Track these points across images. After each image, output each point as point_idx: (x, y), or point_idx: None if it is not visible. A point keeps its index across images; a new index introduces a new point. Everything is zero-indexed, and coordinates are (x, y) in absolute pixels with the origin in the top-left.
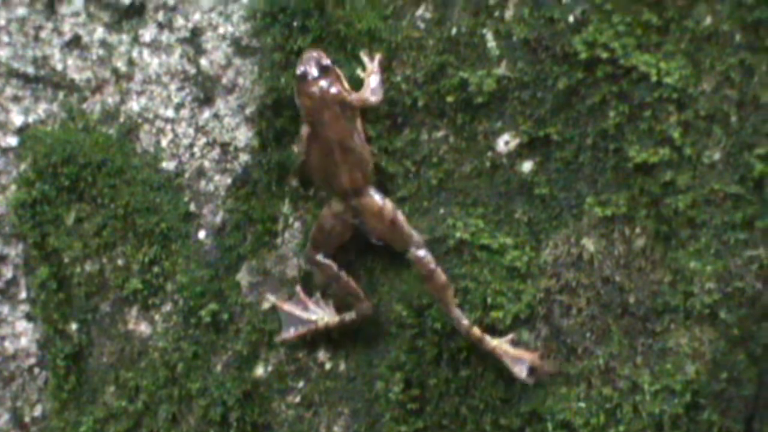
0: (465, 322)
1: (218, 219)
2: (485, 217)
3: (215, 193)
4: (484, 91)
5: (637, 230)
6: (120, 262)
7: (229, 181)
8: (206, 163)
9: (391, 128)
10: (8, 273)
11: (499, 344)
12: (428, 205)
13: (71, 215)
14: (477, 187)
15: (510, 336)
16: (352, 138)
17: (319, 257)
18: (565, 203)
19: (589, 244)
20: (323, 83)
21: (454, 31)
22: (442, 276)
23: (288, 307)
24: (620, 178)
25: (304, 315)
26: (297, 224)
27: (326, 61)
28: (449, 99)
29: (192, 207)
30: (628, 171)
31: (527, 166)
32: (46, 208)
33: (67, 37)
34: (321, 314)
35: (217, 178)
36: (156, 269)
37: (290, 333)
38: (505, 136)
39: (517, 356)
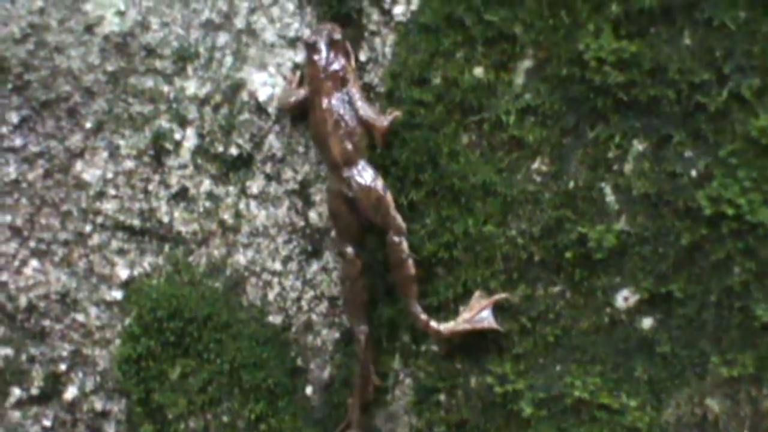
0: (423, 317)
1: (326, 374)
2: (604, 375)
3: (323, 348)
4: (604, 246)
5: (765, 391)
6: (225, 418)
7: (337, 335)
8: (314, 317)
9: (506, 283)
10: (111, 429)
11: (455, 323)
12: (544, 362)
13: (176, 371)
14: (595, 344)
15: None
16: (345, 111)
17: (349, 249)
18: (687, 362)
19: (714, 404)
20: (328, 55)
21: (571, 184)
22: (411, 268)
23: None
24: (746, 337)
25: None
26: (408, 381)
27: (337, 35)
28: (567, 255)
29: (299, 362)
30: (754, 330)
31: (647, 322)
32: (150, 363)
33: (174, 189)
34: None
35: (324, 332)
36: (262, 426)
37: None
38: (625, 292)
39: (477, 314)
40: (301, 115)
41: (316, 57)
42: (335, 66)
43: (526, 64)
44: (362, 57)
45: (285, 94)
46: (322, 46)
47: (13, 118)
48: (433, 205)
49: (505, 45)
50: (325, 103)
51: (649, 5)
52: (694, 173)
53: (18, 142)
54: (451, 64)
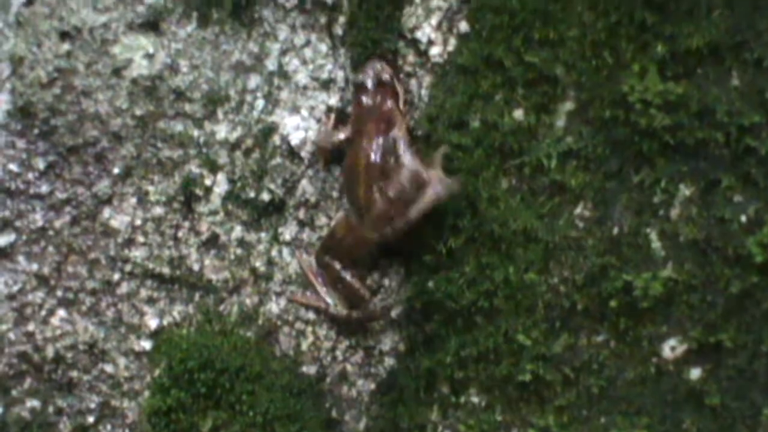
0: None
1: (362, 426)
2: (651, 428)
3: (358, 399)
4: (650, 294)
5: None
6: None
7: (372, 386)
8: (349, 367)
9: (548, 332)
10: None
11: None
12: (588, 414)
13: (208, 423)
14: (641, 396)
15: None
16: (380, 156)
17: (327, 258)
18: (738, 414)
19: None
20: (375, 96)
21: (615, 230)
22: None
23: (312, 279)
24: None
25: (322, 292)
26: None
27: (386, 76)
28: (612, 303)
29: (334, 413)
30: None
31: (696, 373)
32: (181, 415)
33: (205, 236)
34: (334, 303)
35: (360, 382)
36: None
37: (301, 298)
38: (672, 342)
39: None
40: (338, 158)
41: (362, 97)
42: (382, 108)
43: (568, 106)
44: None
45: (326, 135)
46: (370, 86)
47: (40, 164)
48: (472, 252)
49: (546, 87)
50: (364, 143)
51: (696, 45)
52: (743, 219)
53: (44, 188)
54: (490, 106)
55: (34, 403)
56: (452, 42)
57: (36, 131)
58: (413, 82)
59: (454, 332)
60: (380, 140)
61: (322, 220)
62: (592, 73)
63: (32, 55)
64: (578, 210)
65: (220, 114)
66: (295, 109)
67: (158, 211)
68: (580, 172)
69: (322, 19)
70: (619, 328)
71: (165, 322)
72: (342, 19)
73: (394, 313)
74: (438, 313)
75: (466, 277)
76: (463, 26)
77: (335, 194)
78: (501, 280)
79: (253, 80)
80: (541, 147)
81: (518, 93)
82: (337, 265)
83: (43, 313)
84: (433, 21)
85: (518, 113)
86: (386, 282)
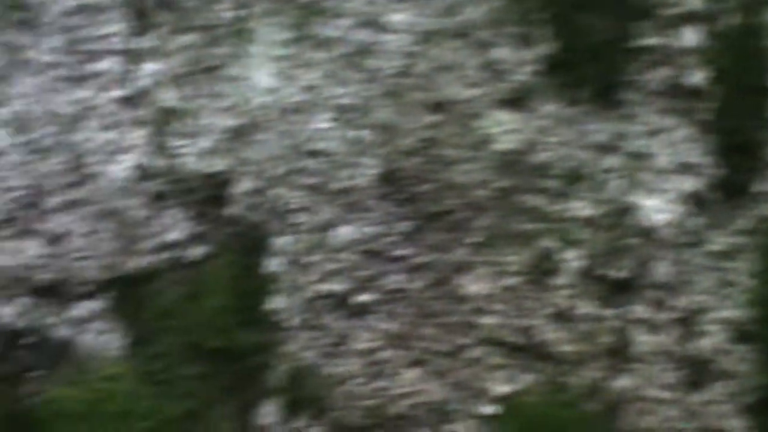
0: None
1: None
2: None
3: None
4: None
5: None
6: None
7: None
8: None
9: None
10: None
11: None
12: None
13: None
14: None
15: None
16: None
17: None
18: None
19: None
20: None
21: None
22: None
23: None
24: None
25: None
26: None
27: None
28: None
29: None
30: None
31: None
32: None
33: (556, 309)
34: None
35: None
36: None
37: None
38: None
39: None
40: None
41: None
42: None
43: None
44: (759, 188)
45: None
46: None
47: (401, 228)
48: None
49: None
50: None
51: None
52: None
53: (405, 252)
54: None
55: None
56: None
57: (399, 196)
58: None
59: None
60: None
61: (673, 301)
62: None
63: (401, 124)
64: None
65: (578, 191)
66: (653, 191)
67: (512, 281)
68: None
69: (688, 105)
70: None
71: (511, 390)
72: (708, 106)
73: (744, 400)
74: None
75: None
76: None
77: (690, 278)
78: None
79: (613, 160)
80: None
81: None
82: None
83: (396, 370)
84: None
85: None
86: (738, 368)
